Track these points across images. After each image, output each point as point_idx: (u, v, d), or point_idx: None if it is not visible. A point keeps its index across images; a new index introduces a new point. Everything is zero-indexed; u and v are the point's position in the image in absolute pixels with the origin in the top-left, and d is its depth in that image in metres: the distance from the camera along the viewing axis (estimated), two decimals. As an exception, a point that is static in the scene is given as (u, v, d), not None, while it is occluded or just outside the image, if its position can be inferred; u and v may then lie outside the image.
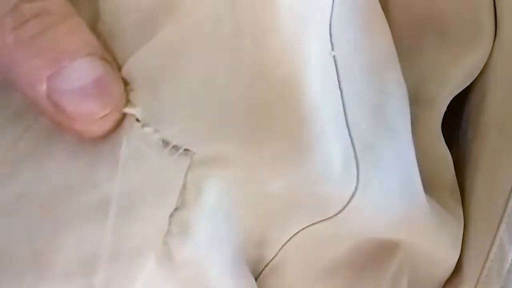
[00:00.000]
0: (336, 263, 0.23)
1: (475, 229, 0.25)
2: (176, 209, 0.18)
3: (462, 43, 0.24)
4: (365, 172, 0.20)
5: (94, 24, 0.18)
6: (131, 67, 0.17)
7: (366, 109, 0.21)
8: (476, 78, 0.25)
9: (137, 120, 0.17)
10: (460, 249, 0.24)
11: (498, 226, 0.24)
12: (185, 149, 0.18)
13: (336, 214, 0.20)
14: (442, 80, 0.24)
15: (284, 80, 0.17)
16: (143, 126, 0.17)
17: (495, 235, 0.24)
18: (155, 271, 0.18)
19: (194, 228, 0.19)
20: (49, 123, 0.17)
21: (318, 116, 0.18)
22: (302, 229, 0.21)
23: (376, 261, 0.24)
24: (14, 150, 0.18)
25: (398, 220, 0.21)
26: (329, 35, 0.19)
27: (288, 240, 0.21)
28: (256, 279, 0.23)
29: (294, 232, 0.21)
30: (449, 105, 0.26)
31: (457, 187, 0.25)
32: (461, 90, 0.25)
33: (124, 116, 0.17)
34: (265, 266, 0.22)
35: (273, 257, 0.22)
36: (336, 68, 0.19)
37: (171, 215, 0.18)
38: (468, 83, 0.25)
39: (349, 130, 0.20)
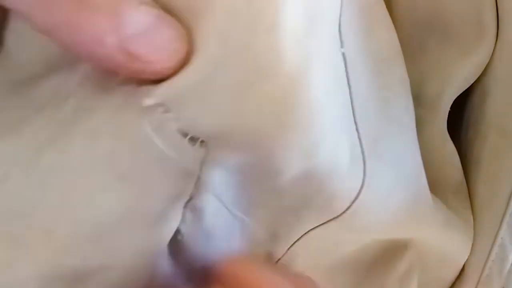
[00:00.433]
0: (343, 263, 0.23)
1: (477, 228, 0.25)
2: (190, 198, 0.19)
3: (465, 43, 0.24)
4: (372, 167, 0.20)
5: None
6: None
7: (372, 105, 0.21)
8: (478, 78, 0.25)
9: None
10: (470, 249, 0.24)
11: (500, 226, 0.24)
12: (201, 141, 0.18)
13: (344, 212, 0.20)
14: (446, 80, 0.24)
15: (293, 75, 0.17)
16: (165, 111, 0.18)
17: (496, 235, 0.24)
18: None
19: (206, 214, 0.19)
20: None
21: (327, 111, 0.18)
22: (311, 229, 0.21)
23: (384, 261, 0.24)
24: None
25: (404, 216, 0.21)
26: (338, 33, 0.19)
27: (297, 240, 0.21)
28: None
29: (303, 232, 0.21)
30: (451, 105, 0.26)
31: (465, 185, 0.25)
32: (463, 90, 0.25)
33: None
34: (275, 263, 0.22)
35: (283, 255, 0.22)
36: (345, 65, 0.19)
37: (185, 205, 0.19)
38: (470, 83, 0.25)
39: (356, 125, 0.20)
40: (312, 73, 0.18)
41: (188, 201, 0.19)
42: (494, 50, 0.25)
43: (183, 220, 0.19)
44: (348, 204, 0.20)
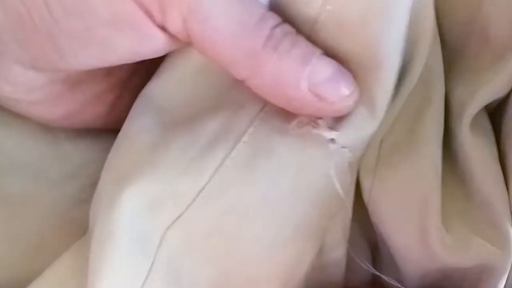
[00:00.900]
0: None
1: None
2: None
3: (500, 52, 0.24)
4: None
5: None
6: None
7: None
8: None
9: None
10: None
11: None
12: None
13: None
14: (476, 86, 0.24)
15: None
16: (349, 152, 0.21)
17: None
18: None
19: None
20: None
21: None
22: None
23: None
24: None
25: None
26: None
27: None
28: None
29: None
30: (492, 115, 0.25)
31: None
32: (491, 100, 0.24)
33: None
34: None
35: None
36: None
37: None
38: (504, 93, 0.25)
39: None
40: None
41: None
42: None
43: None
44: None
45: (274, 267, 0.22)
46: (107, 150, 0.23)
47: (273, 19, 0.20)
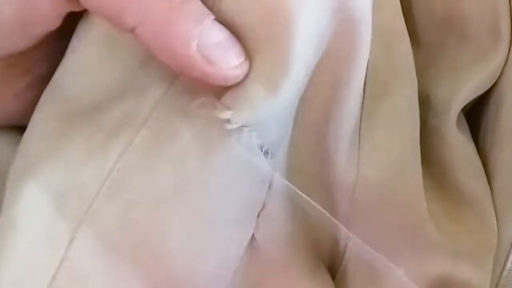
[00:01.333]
0: None
1: None
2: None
3: (481, 46, 0.24)
4: None
5: None
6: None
7: None
8: (492, 85, 0.25)
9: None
10: None
11: None
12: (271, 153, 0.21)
13: None
14: (458, 84, 0.24)
15: None
16: (251, 130, 0.20)
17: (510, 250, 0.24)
18: None
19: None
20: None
21: None
22: None
23: None
24: None
25: None
26: None
27: None
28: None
29: None
30: (467, 114, 0.25)
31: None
32: (474, 97, 0.25)
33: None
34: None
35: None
36: None
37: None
38: (483, 91, 0.25)
39: None
40: None
41: (261, 209, 0.22)
42: (508, 56, 0.24)
43: (257, 227, 0.22)
44: None
45: (197, 261, 0.21)
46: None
47: None
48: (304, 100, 0.22)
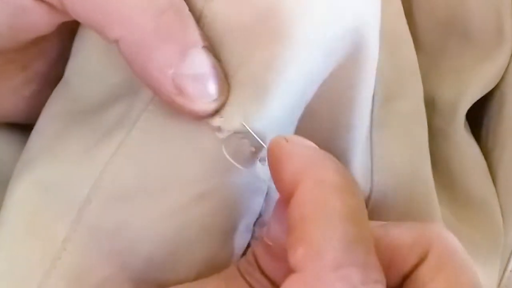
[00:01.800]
0: None
1: None
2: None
3: (485, 47, 0.24)
4: None
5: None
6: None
7: None
8: (495, 86, 0.25)
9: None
10: None
11: None
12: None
13: None
14: (463, 85, 0.24)
15: None
16: (242, 138, 0.20)
17: None
18: None
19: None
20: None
21: None
22: None
23: None
24: None
25: None
26: None
27: None
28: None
29: None
30: (470, 115, 0.25)
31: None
32: (480, 96, 0.25)
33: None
34: None
35: None
36: None
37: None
38: (487, 90, 0.25)
39: None
40: None
41: (258, 218, 0.21)
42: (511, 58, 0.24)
43: (253, 236, 0.21)
44: None
45: (188, 265, 0.21)
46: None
47: None
48: (311, 108, 0.21)
